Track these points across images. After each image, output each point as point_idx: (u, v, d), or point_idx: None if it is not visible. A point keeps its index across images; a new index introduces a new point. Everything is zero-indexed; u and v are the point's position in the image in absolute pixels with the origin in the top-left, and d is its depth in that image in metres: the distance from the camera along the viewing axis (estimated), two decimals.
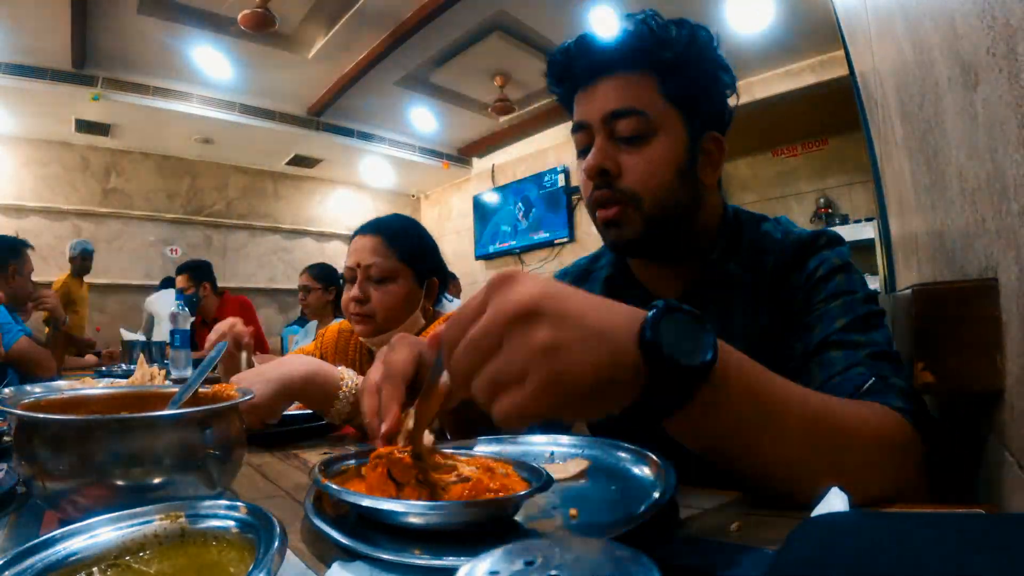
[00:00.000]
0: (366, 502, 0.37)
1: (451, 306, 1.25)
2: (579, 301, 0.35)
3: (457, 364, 0.35)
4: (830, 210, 4.50)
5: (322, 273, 2.76)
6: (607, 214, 0.65)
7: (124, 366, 2.13)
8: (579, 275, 0.85)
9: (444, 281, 1.21)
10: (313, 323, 2.88)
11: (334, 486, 0.40)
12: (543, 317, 0.33)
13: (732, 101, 0.71)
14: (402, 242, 1.11)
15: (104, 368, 2.30)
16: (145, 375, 0.70)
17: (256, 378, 0.74)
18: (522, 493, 0.39)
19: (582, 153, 0.68)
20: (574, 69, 0.67)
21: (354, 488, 0.41)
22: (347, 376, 0.79)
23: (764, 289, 0.67)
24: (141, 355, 0.77)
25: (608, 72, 0.64)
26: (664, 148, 0.63)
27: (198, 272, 3.13)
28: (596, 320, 0.35)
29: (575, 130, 0.69)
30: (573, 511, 0.40)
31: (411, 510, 0.37)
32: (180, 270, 3.18)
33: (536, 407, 0.32)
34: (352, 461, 0.48)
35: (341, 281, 2.79)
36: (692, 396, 0.36)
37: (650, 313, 0.35)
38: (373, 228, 1.12)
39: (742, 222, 0.72)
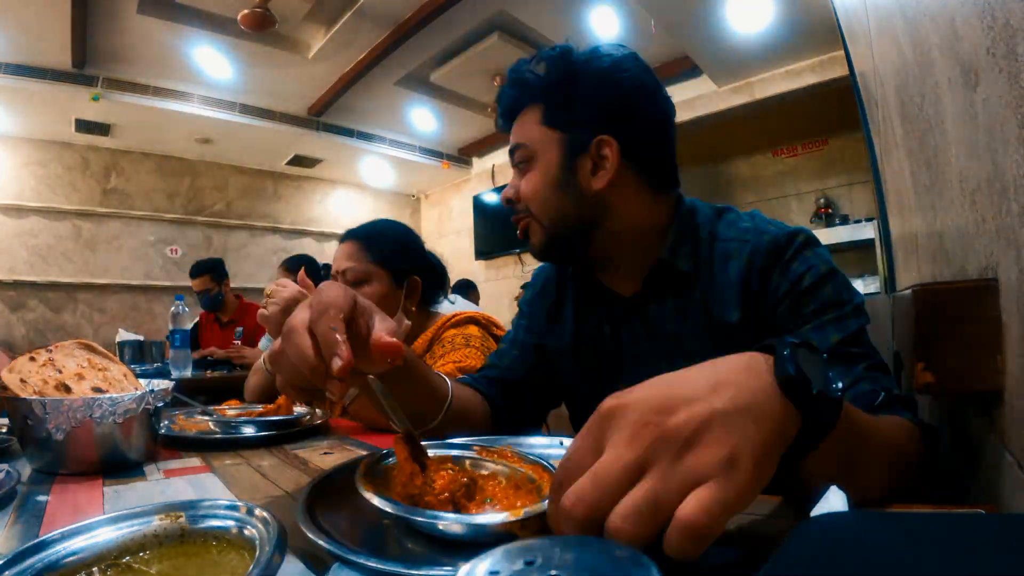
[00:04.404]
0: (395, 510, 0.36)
1: (450, 307, 1.23)
2: (698, 384, 0.30)
3: (583, 494, 0.28)
4: (830, 210, 4.50)
5: (297, 264, 2.63)
6: (519, 230, 0.77)
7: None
8: (554, 269, 0.88)
9: (436, 281, 1.20)
10: None
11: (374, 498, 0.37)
12: (681, 419, 0.28)
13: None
14: (377, 244, 1.12)
15: None
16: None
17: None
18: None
19: None
20: (504, 121, 0.78)
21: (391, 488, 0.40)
22: None
23: (727, 285, 0.68)
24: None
25: (514, 116, 0.77)
26: (539, 171, 0.73)
27: (217, 272, 3.01)
28: (731, 394, 0.30)
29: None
30: None
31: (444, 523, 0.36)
32: (199, 270, 2.98)
33: (741, 499, 0.27)
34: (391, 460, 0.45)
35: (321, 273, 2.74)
36: (835, 423, 0.33)
37: (784, 352, 0.32)
38: (350, 234, 1.14)
39: (698, 216, 0.74)
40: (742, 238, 0.69)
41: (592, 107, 0.71)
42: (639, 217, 0.73)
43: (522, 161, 0.74)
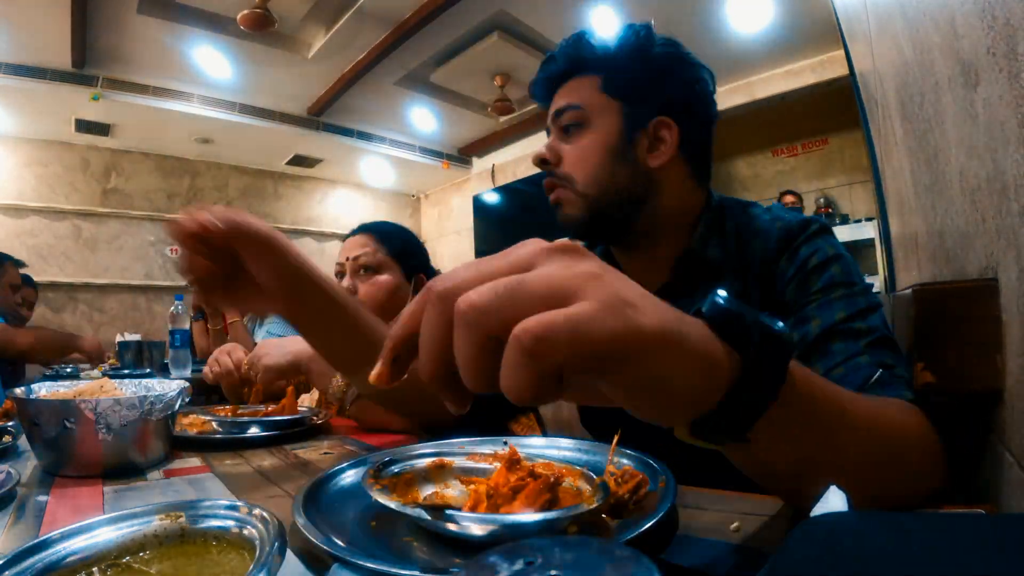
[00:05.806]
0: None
1: None
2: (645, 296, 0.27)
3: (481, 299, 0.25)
4: (830, 210, 4.50)
5: None
6: (552, 197, 0.74)
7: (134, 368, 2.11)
8: None
9: None
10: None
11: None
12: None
13: (719, 94, 0.75)
14: (390, 239, 1.19)
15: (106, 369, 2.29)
16: (106, 385, 0.71)
17: (277, 349, 0.91)
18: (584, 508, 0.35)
19: None
20: (543, 87, 0.77)
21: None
22: None
23: (752, 276, 0.67)
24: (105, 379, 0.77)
25: (564, 82, 0.74)
26: (595, 134, 0.70)
27: None
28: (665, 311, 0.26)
29: (548, 135, 0.77)
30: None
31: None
32: None
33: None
34: (396, 468, 0.46)
35: None
36: (785, 375, 0.29)
37: (714, 292, 0.30)
38: (363, 228, 1.21)
39: (726, 209, 0.74)
40: (765, 229, 0.69)
41: (659, 89, 0.70)
42: (681, 201, 0.73)
43: (572, 123, 0.71)
